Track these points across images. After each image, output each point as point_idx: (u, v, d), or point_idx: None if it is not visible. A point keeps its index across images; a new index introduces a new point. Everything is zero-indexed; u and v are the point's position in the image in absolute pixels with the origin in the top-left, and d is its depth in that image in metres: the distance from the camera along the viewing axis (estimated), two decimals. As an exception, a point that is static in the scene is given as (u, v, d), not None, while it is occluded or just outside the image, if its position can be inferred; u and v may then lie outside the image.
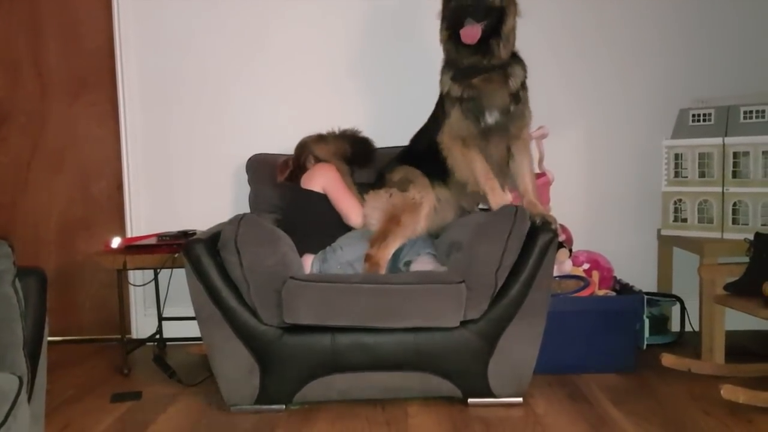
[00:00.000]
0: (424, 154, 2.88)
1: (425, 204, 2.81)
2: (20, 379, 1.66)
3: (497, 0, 2.62)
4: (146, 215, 3.61)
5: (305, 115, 3.45)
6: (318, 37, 3.55)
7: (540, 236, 2.50)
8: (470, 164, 2.73)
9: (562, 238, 3.09)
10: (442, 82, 2.81)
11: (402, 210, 2.76)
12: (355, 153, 3.11)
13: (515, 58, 2.75)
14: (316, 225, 2.86)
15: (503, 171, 2.84)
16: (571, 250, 3.15)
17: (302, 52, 3.55)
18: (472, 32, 2.60)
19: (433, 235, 2.92)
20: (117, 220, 3.64)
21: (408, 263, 2.74)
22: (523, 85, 2.75)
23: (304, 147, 3.12)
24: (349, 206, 2.90)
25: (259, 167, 3.25)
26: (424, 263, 2.71)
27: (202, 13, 3.54)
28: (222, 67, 3.56)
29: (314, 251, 2.81)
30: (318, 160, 3.06)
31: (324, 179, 2.92)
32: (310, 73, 3.56)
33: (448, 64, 2.78)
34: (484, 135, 2.72)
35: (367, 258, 2.71)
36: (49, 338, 2.03)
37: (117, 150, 3.61)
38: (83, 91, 3.65)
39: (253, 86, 3.57)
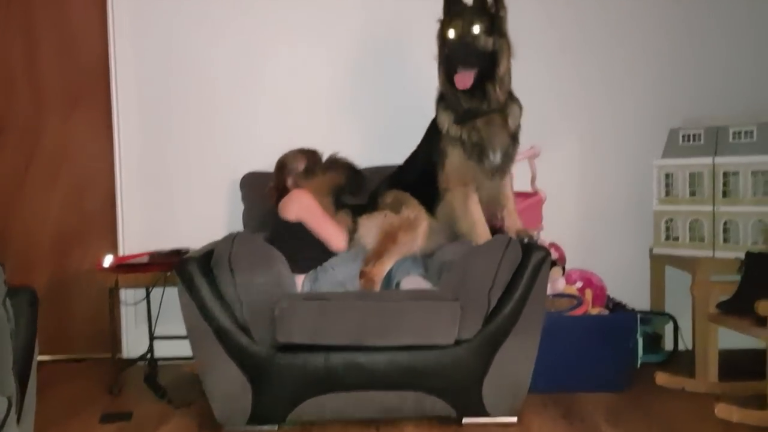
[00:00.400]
0: (416, 183, 2.89)
1: (421, 221, 2.81)
2: (9, 400, 1.64)
3: (490, 44, 2.63)
4: (139, 231, 3.59)
5: (300, 133, 3.44)
6: (314, 55, 3.57)
7: (533, 254, 2.51)
8: (469, 216, 2.74)
9: (555, 256, 3.10)
10: (440, 119, 2.80)
11: (398, 228, 2.77)
12: (349, 184, 3.06)
13: (512, 97, 2.77)
14: (301, 249, 2.83)
15: (496, 204, 2.88)
16: (564, 269, 3.15)
17: (298, 71, 3.57)
18: (464, 79, 2.61)
19: (428, 255, 2.91)
20: (110, 235, 3.63)
21: (398, 284, 2.73)
22: (519, 124, 2.79)
23: (282, 169, 3.08)
24: (329, 233, 2.86)
25: (253, 185, 3.25)
26: (413, 283, 2.70)
27: (199, 30, 3.56)
28: (217, 83, 3.57)
29: (303, 271, 2.79)
30: (292, 181, 3.03)
31: (297, 208, 2.88)
32: (306, 91, 3.57)
33: (445, 102, 2.77)
34: (490, 174, 2.76)
35: (362, 274, 2.71)
36: (39, 357, 2.01)
37: (111, 165, 3.61)
38: (78, 105, 3.65)
39: (249, 103, 3.58)
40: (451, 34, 2.65)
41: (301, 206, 2.88)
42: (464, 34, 2.63)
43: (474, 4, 2.67)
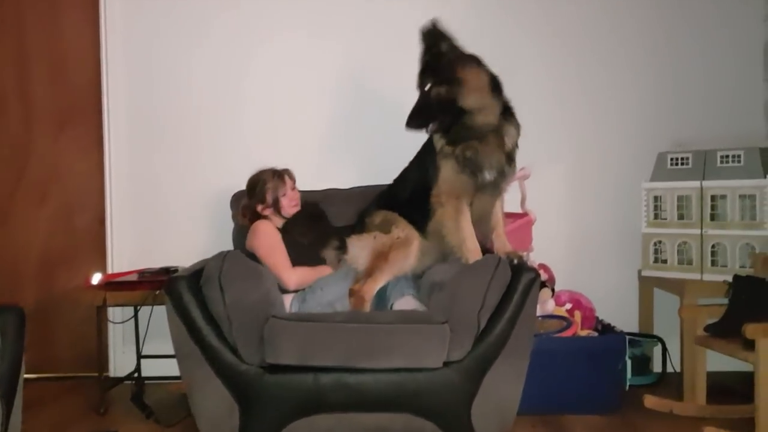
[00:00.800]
0: (405, 203, 2.89)
1: (412, 240, 2.81)
2: (-5, 419, 1.63)
3: (443, 91, 2.66)
4: (128, 250, 3.58)
5: (289, 151, 3.46)
6: (303, 76, 3.59)
7: (523, 275, 2.51)
8: (460, 231, 2.74)
9: (544, 277, 3.11)
10: (435, 138, 2.81)
11: (389, 247, 2.77)
12: (312, 229, 3.03)
13: (508, 117, 2.76)
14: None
15: (488, 223, 2.88)
16: (553, 290, 3.16)
17: (288, 90, 3.60)
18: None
19: (418, 276, 2.91)
20: (99, 255, 3.61)
21: (392, 306, 2.73)
22: (516, 144, 2.79)
23: (251, 191, 3.05)
24: (278, 269, 2.83)
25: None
26: (406, 304, 2.70)
27: (190, 49, 3.58)
28: (208, 103, 3.59)
29: (292, 291, 2.79)
30: (262, 207, 3.02)
31: (254, 241, 2.89)
32: (296, 109, 3.60)
33: None
34: (481, 190, 2.76)
35: (352, 293, 2.70)
36: (25, 375, 1.99)
37: (101, 184, 3.61)
38: (69, 124, 3.65)
39: (238, 123, 3.59)
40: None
41: (257, 240, 2.89)
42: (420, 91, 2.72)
43: (424, 55, 2.72)
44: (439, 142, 2.78)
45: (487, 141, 2.72)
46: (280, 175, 3.05)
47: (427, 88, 2.69)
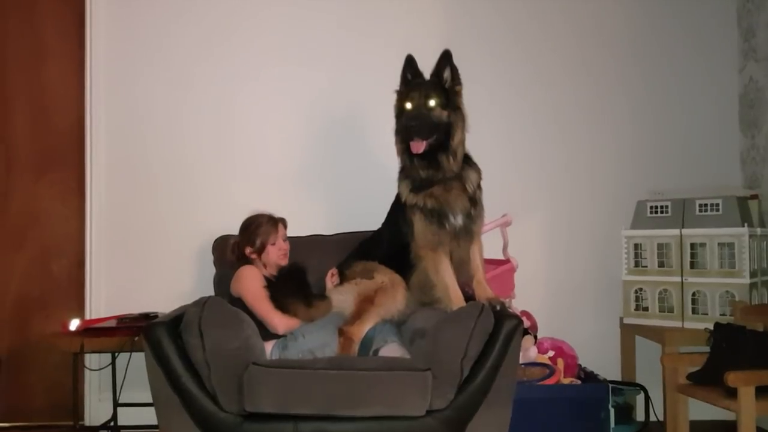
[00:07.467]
0: (385, 255, 2.90)
1: (398, 284, 2.81)
2: (-37, 470, 1.58)
3: (444, 116, 2.70)
4: (107, 296, 3.54)
5: (271, 196, 3.47)
6: (285, 121, 3.63)
7: (506, 323, 2.50)
8: (443, 278, 2.75)
9: (527, 324, 3.11)
10: (400, 189, 2.85)
11: (374, 291, 2.76)
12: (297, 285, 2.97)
13: (468, 162, 2.81)
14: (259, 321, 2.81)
15: (467, 270, 2.88)
16: (536, 337, 3.15)
17: (270, 136, 3.63)
18: (417, 146, 2.68)
19: (400, 323, 2.90)
20: (77, 301, 3.56)
21: (376, 351, 2.71)
22: (479, 186, 2.83)
23: (244, 232, 3.04)
24: (266, 313, 2.80)
25: (225, 249, 3.23)
26: (392, 351, 2.68)
27: (173, 95, 3.61)
28: (190, 148, 3.61)
29: (273, 338, 2.76)
30: (250, 250, 3.01)
31: (238, 286, 2.88)
32: (277, 154, 3.62)
33: (404, 172, 2.83)
34: (454, 237, 2.77)
35: (341, 333, 2.68)
36: (-3, 425, 1.95)
37: (80, 228, 3.58)
38: (50, 168, 3.64)
39: (220, 167, 3.61)
40: (408, 105, 2.72)
41: (242, 285, 2.87)
42: (420, 106, 2.69)
43: (430, 78, 2.75)
44: (404, 192, 2.81)
45: (448, 188, 2.74)
46: (275, 222, 3.05)
47: (432, 104, 2.68)
